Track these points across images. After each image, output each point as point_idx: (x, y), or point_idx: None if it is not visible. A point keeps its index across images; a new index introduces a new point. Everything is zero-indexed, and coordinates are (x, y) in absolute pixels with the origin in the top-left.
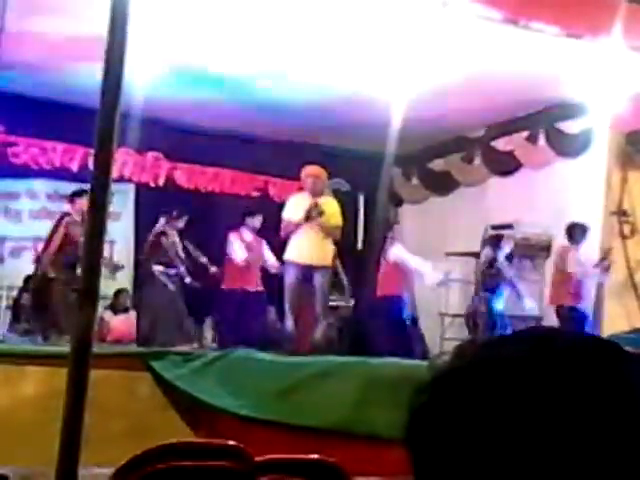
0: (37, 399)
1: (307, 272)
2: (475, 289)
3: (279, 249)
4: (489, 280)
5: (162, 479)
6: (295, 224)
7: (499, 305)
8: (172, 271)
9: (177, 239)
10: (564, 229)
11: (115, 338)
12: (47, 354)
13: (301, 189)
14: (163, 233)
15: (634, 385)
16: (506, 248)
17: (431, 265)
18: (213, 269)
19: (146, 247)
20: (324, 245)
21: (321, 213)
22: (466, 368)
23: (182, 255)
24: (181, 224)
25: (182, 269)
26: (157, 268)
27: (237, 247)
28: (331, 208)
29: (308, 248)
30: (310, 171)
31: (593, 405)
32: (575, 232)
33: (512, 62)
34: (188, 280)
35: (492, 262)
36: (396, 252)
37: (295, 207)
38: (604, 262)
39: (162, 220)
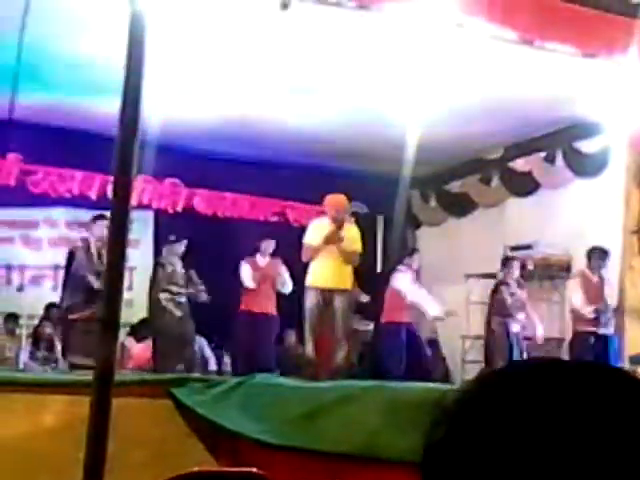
0: (58, 428)
1: (327, 296)
2: (489, 312)
3: (298, 274)
4: (500, 303)
5: None
6: (314, 249)
7: (514, 328)
8: (178, 298)
9: (179, 266)
10: (585, 254)
11: (136, 365)
12: (68, 382)
13: (322, 213)
14: (159, 264)
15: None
16: (515, 270)
17: (431, 299)
18: (203, 297)
19: (151, 277)
20: (343, 269)
21: (341, 239)
22: (480, 402)
23: (182, 282)
24: (181, 248)
25: (185, 294)
26: (163, 296)
27: (246, 275)
28: (352, 234)
29: (327, 272)
30: (333, 202)
31: (612, 438)
32: (595, 257)
33: (528, 82)
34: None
35: (501, 285)
36: (399, 281)
37: (316, 232)
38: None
39: (164, 250)
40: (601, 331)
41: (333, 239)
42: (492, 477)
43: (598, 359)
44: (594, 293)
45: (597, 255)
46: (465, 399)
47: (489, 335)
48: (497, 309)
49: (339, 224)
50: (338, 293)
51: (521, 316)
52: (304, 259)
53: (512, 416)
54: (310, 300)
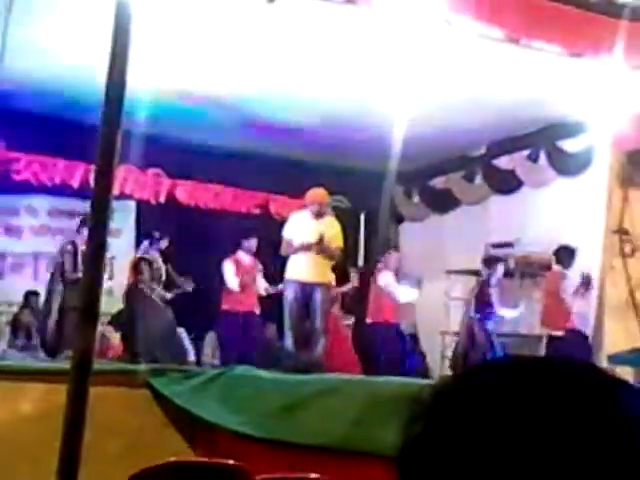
0: (36, 416)
1: (307, 290)
2: (466, 309)
3: (280, 266)
4: (480, 301)
5: None
6: (295, 248)
7: (490, 326)
8: (159, 290)
9: (160, 262)
10: (552, 253)
11: (115, 354)
12: (47, 371)
13: (304, 206)
14: (142, 259)
15: (620, 412)
16: (499, 270)
17: (417, 293)
18: (188, 288)
19: (130, 269)
20: (323, 263)
21: (321, 240)
22: (456, 399)
23: (163, 277)
24: (164, 244)
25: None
26: (144, 287)
27: (230, 275)
28: (333, 230)
29: (307, 266)
30: (314, 197)
31: (582, 434)
32: (562, 255)
33: (513, 80)
34: (168, 296)
35: (483, 283)
36: (385, 280)
37: (296, 227)
38: (585, 280)
39: (145, 242)
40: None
41: (317, 247)
42: (468, 473)
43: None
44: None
45: (566, 254)
46: (441, 395)
47: (466, 332)
48: (478, 306)
49: (320, 217)
50: (318, 287)
51: (501, 313)
52: (282, 253)
53: (488, 413)
54: (290, 293)
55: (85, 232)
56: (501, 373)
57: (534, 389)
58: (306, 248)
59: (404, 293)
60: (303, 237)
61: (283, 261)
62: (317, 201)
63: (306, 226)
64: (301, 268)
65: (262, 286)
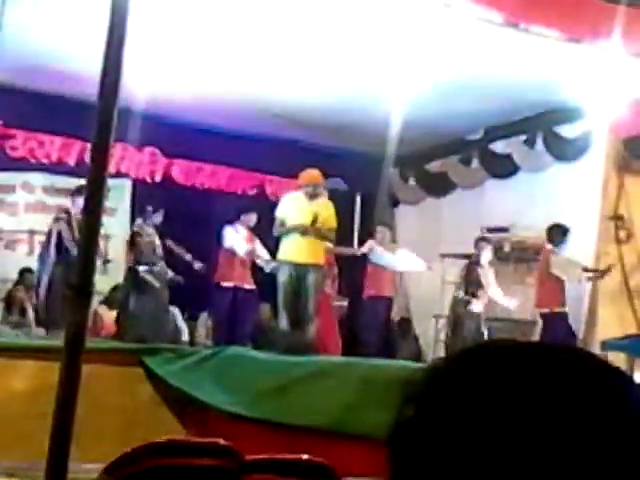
0: (29, 393)
1: (300, 271)
2: (456, 292)
3: (275, 247)
4: (470, 283)
5: (152, 476)
6: (289, 229)
7: (477, 308)
8: (155, 268)
9: (156, 237)
10: (545, 232)
11: (109, 333)
12: (39, 348)
13: (299, 187)
14: (137, 233)
15: (605, 395)
16: (487, 252)
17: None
18: (197, 265)
19: (126, 248)
20: (317, 244)
21: (315, 221)
22: (448, 382)
23: (161, 252)
24: (158, 219)
25: (163, 266)
26: (140, 267)
27: (237, 240)
28: (327, 211)
29: (301, 247)
30: (308, 178)
31: (574, 419)
32: (554, 233)
33: (511, 65)
34: (170, 275)
35: (472, 264)
36: (379, 254)
37: (290, 208)
38: (596, 273)
39: (139, 220)
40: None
41: (311, 229)
42: (458, 457)
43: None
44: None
45: (557, 232)
46: (434, 379)
47: (454, 314)
48: (468, 289)
49: (314, 198)
50: (311, 268)
51: (487, 295)
52: (275, 233)
53: (480, 397)
54: (283, 274)
55: (78, 201)
56: (494, 357)
57: (525, 374)
58: (301, 230)
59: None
60: (297, 218)
61: (277, 241)
62: (311, 182)
63: (300, 207)
64: (294, 249)
65: (264, 256)
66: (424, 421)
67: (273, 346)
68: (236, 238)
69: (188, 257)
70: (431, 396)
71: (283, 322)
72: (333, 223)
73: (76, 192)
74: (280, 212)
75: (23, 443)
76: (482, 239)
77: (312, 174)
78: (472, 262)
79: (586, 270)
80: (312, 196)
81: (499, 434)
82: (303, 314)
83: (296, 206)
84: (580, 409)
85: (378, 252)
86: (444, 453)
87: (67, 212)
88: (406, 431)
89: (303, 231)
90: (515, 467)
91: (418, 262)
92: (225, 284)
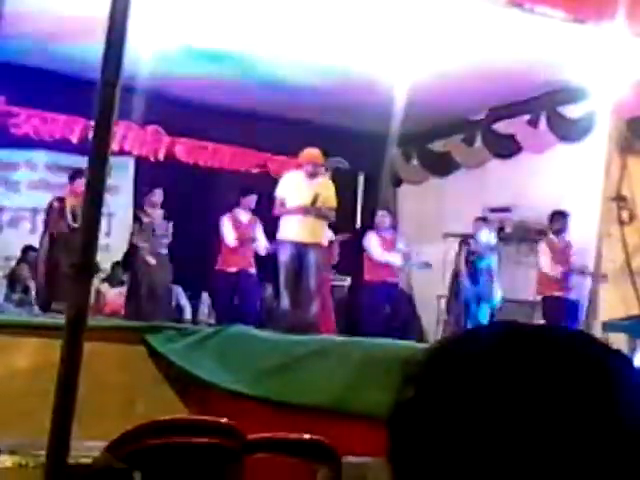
0: (31, 370)
1: (301, 250)
2: (454, 272)
3: (274, 226)
4: (467, 264)
5: (154, 455)
6: (290, 210)
7: (474, 289)
8: (157, 247)
9: (159, 216)
10: (547, 219)
11: (111, 311)
12: (42, 325)
13: (299, 166)
14: (142, 211)
15: (603, 377)
16: (483, 233)
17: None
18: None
19: (131, 225)
20: (317, 224)
21: (316, 200)
22: (449, 361)
23: (163, 232)
24: (156, 197)
25: (166, 244)
26: (143, 245)
27: (228, 230)
28: (327, 190)
29: (301, 227)
30: (308, 157)
31: (572, 401)
32: (555, 220)
33: (515, 45)
34: (164, 252)
35: (470, 247)
36: (367, 241)
37: (290, 187)
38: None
39: (145, 199)
40: (566, 295)
41: (313, 208)
42: (457, 438)
43: (564, 322)
44: (559, 257)
45: (558, 218)
46: (434, 359)
47: (451, 294)
48: (466, 270)
49: (314, 177)
50: (312, 247)
51: (484, 278)
52: (276, 213)
53: (479, 379)
54: (284, 253)
55: (75, 185)
56: (493, 339)
57: (524, 356)
58: (302, 211)
59: (384, 255)
60: (297, 197)
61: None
62: (311, 161)
63: (300, 186)
64: (295, 229)
65: (263, 244)
66: (424, 402)
67: (275, 325)
68: (225, 229)
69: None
70: (431, 377)
71: (284, 301)
72: (333, 202)
73: (73, 176)
74: (280, 191)
75: (25, 420)
76: (480, 219)
77: (312, 153)
78: (466, 242)
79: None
80: (312, 175)
81: (497, 415)
82: (304, 293)
83: (296, 185)
84: (577, 392)
85: (375, 254)
86: (443, 434)
87: (60, 200)
88: (406, 412)
89: (304, 211)
90: (513, 450)
91: (416, 258)
92: (224, 269)
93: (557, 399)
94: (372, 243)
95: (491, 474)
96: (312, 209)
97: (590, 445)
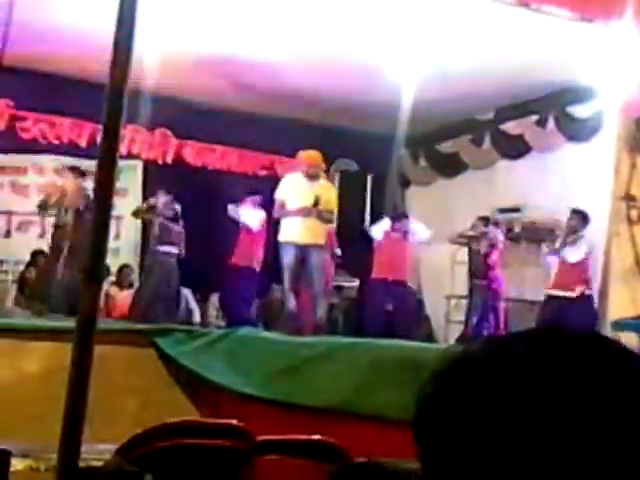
0: (41, 374)
1: (303, 252)
2: (468, 274)
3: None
4: (476, 265)
5: (164, 457)
6: (291, 212)
7: (483, 290)
8: (167, 248)
9: (170, 219)
10: (567, 218)
11: (121, 314)
12: (52, 329)
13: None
14: (153, 214)
15: (630, 382)
16: (490, 234)
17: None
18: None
19: (140, 227)
20: (317, 225)
21: (317, 201)
22: (473, 362)
23: (173, 233)
24: (161, 199)
25: (175, 247)
26: (154, 247)
27: (250, 215)
28: (328, 193)
29: (303, 228)
30: (306, 158)
31: (594, 401)
32: (576, 220)
33: (523, 45)
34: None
35: (479, 248)
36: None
37: (290, 189)
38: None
39: (152, 200)
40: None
41: (313, 211)
42: (478, 432)
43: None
44: None
45: (578, 217)
46: (457, 359)
47: (470, 295)
48: (475, 271)
49: (313, 179)
50: (313, 248)
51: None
52: (275, 215)
53: (500, 376)
54: (287, 256)
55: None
56: (511, 341)
57: (545, 358)
58: (304, 212)
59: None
60: (298, 200)
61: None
62: (309, 162)
63: (301, 188)
64: (296, 231)
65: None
66: (444, 397)
67: (284, 327)
68: (248, 215)
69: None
70: (452, 375)
71: (291, 303)
72: (333, 205)
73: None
74: (280, 194)
75: (36, 424)
76: (484, 218)
77: (310, 154)
78: (477, 242)
79: None
80: (311, 177)
81: (513, 412)
82: (309, 295)
83: (297, 187)
84: (598, 392)
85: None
86: (463, 429)
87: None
88: (426, 408)
89: (305, 212)
90: (537, 447)
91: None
92: (236, 265)
93: (576, 398)
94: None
95: (520, 471)
96: (314, 210)
97: (609, 443)
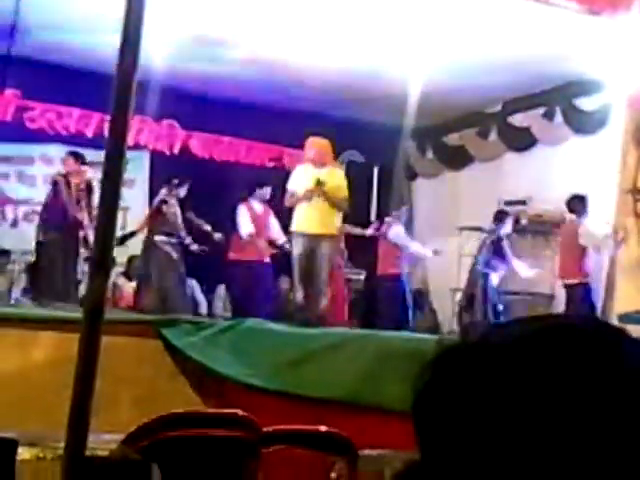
0: (49, 364)
1: (314, 242)
2: (473, 264)
3: (288, 219)
4: (488, 256)
5: (171, 447)
6: (297, 199)
7: (494, 281)
8: (174, 240)
9: (177, 208)
10: (565, 204)
11: (127, 304)
12: (60, 319)
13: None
14: (164, 201)
15: (634, 369)
16: (507, 225)
17: (430, 250)
18: (217, 236)
19: (147, 217)
20: (329, 214)
21: (321, 184)
22: (470, 349)
23: (182, 224)
24: (182, 192)
25: (184, 236)
26: (160, 238)
27: (244, 221)
28: (336, 179)
29: (313, 218)
30: (314, 144)
31: (592, 388)
32: (575, 204)
33: (531, 37)
34: (194, 247)
35: (493, 239)
36: (396, 232)
37: (299, 179)
38: (617, 235)
39: (163, 190)
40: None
41: (315, 192)
42: (476, 420)
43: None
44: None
45: (577, 202)
46: (454, 346)
47: (470, 287)
48: (485, 262)
49: (321, 166)
50: (324, 239)
51: (506, 269)
52: (287, 204)
53: (498, 363)
54: (297, 247)
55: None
56: (509, 328)
57: (541, 344)
58: (306, 196)
59: (416, 246)
60: (303, 186)
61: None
62: (314, 148)
63: (307, 176)
64: (306, 219)
65: (277, 234)
66: (442, 384)
67: (292, 319)
68: (242, 219)
69: (207, 228)
70: (449, 362)
71: (299, 295)
72: (345, 192)
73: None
74: (291, 184)
75: (43, 413)
76: (502, 212)
77: (316, 140)
78: (491, 235)
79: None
80: (317, 163)
81: (512, 399)
82: (316, 286)
83: (304, 176)
84: (593, 377)
85: (395, 230)
86: (461, 416)
87: (65, 175)
88: (424, 394)
89: (307, 196)
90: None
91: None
92: (239, 259)
93: (573, 383)
94: (401, 233)
95: (519, 460)
96: (314, 191)
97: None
